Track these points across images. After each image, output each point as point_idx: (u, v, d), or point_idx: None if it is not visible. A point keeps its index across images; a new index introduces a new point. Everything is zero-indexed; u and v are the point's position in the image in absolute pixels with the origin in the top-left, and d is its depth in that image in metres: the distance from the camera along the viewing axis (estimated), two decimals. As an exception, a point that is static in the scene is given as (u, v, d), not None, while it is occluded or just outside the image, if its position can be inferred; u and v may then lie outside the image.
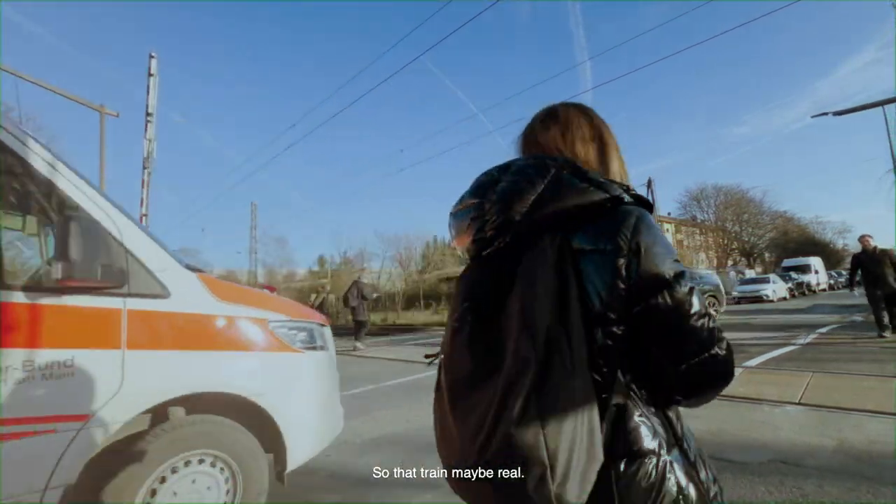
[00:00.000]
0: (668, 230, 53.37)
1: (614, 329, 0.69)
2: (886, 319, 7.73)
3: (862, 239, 8.18)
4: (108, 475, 1.82)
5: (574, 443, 0.61)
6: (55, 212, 1.87)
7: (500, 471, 0.61)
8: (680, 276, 0.71)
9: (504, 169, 0.81)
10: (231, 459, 2.12)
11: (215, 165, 72.06)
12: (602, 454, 0.64)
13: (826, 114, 16.63)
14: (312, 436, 2.43)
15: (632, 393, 0.70)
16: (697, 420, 3.56)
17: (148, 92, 12.92)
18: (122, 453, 1.87)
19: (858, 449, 3.02)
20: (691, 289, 0.70)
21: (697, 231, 52.41)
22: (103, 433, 1.81)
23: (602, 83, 48.87)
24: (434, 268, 38.23)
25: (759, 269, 40.39)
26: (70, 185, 1.90)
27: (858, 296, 8.63)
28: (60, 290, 1.74)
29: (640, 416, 0.70)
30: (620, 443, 0.67)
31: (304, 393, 2.41)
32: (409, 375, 7.01)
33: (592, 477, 0.62)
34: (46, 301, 1.74)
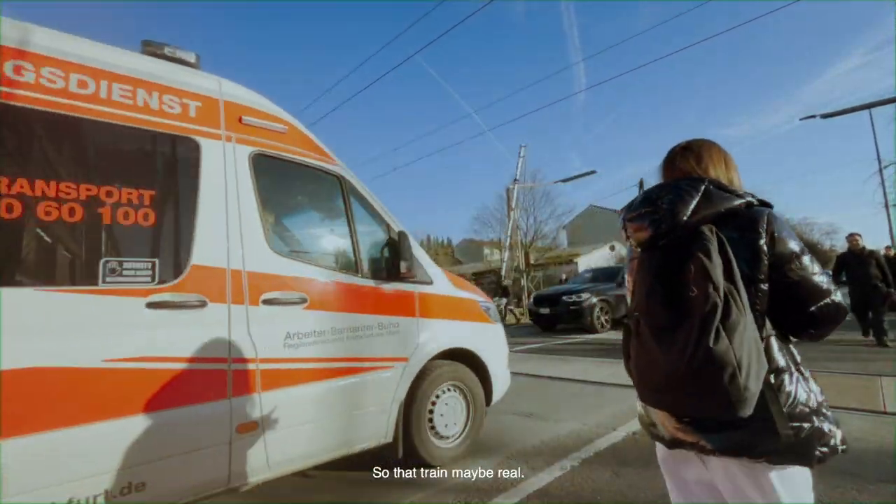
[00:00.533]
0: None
1: (762, 286, 1.08)
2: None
3: (850, 238, 8.05)
4: (416, 393, 3.02)
5: (751, 353, 0.97)
6: (386, 229, 3.05)
7: (703, 373, 0.96)
8: (804, 249, 1.09)
9: (664, 187, 1.19)
10: (467, 389, 3.35)
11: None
12: (766, 363, 1.01)
13: (814, 116, 17.89)
14: (503, 383, 3.67)
15: (773, 330, 1.09)
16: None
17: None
18: (420, 381, 3.05)
19: (842, 445, 2.99)
20: (811, 257, 1.10)
21: (688, 231, 54.38)
22: (415, 369, 3.00)
23: (595, 84, 50.95)
24: (428, 268, 39.22)
25: (748, 269, 42.43)
26: (386, 212, 3.07)
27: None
28: (400, 278, 2.92)
29: (779, 346, 1.10)
30: (769, 362, 1.04)
31: (499, 352, 3.65)
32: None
33: (762, 376, 0.99)
34: (388, 286, 2.92)
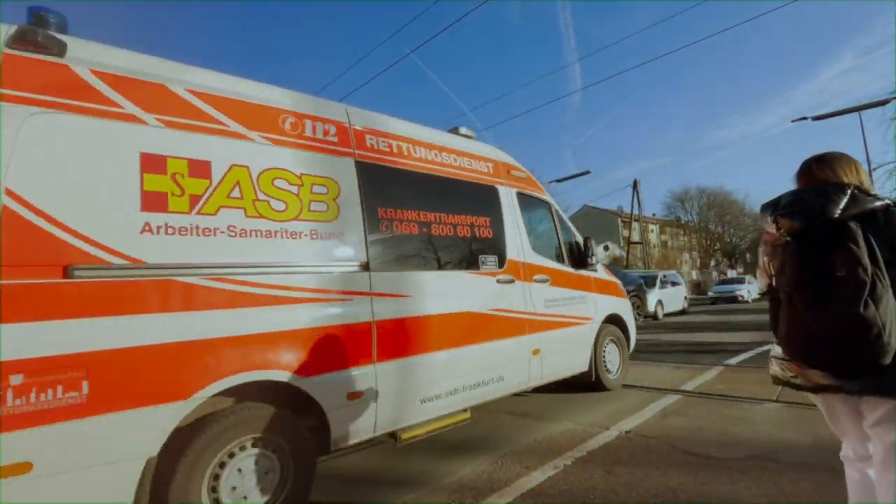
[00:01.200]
0: (652, 231, 57.80)
1: None
2: None
3: None
4: (597, 342, 4.92)
5: (892, 319, 1.31)
6: (577, 234, 4.94)
7: (855, 333, 1.30)
8: None
9: (812, 191, 1.54)
10: (619, 342, 5.31)
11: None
12: None
13: (806, 118, 19.09)
14: (634, 339, 5.59)
15: None
16: (680, 417, 4.12)
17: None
18: (599, 335, 4.94)
19: (832, 445, 2.72)
20: None
21: (681, 232, 57.51)
22: (597, 326, 4.92)
23: (589, 84, 53.82)
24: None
25: (740, 270, 44.92)
26: (571, 223, 4.96)
27: None
28: (585, 267, 4.81)
29: None
30: None
31: (632, 317, 5.58)
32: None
33: None
34: (578, 272, 4.81)
